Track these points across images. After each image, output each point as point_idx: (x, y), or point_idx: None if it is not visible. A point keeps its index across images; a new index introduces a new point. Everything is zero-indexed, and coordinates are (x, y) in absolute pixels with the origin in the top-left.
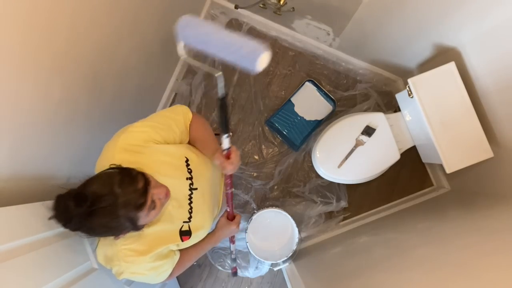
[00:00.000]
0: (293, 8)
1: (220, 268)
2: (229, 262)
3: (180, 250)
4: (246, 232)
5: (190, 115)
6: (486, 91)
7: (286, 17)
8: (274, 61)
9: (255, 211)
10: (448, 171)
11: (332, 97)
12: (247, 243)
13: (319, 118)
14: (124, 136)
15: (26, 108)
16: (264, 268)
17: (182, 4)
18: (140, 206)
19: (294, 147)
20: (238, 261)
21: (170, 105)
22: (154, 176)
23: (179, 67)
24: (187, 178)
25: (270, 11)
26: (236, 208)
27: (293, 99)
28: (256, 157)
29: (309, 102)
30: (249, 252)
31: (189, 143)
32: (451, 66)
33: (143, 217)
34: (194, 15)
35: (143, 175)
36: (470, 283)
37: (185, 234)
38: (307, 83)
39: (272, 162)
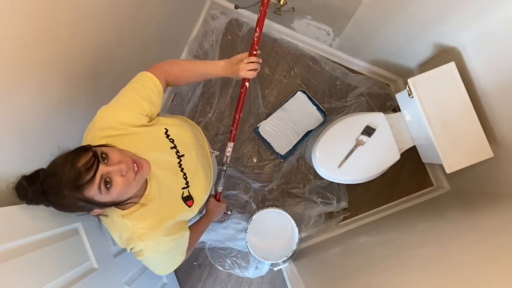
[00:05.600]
0: (293, 8)
1: (220, 268)
2: (228, 262)
3: None
4: (246, 232)
5: (149, 75)
6: (486, 91)
7: (286, 17)
8: (271, 65)
9: (255, 211)
10: (448, 171)
11: (323, 108)
12: (247, 243)
13: (308, 129)
14: (100, 117)
15: (26, 108)
16: (264, 268)
17: (183, 5)
18: (80, 187)
19: (280, 157)
20: (237, 261)
21: (171, 103)
22: (137, 154)
23: None
24: (171, 148)
25: (270, 11)
26: (236, 208)
27: (283, 108)
28: (255, 159)
29: (299, 112)
30: (249, 252)
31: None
32: (451, 66)
33: (97, 195)
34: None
35: (93, 154)
36: (470, 282)
37: (187, 199)
38: (298, 93)
39: (271, 165)
